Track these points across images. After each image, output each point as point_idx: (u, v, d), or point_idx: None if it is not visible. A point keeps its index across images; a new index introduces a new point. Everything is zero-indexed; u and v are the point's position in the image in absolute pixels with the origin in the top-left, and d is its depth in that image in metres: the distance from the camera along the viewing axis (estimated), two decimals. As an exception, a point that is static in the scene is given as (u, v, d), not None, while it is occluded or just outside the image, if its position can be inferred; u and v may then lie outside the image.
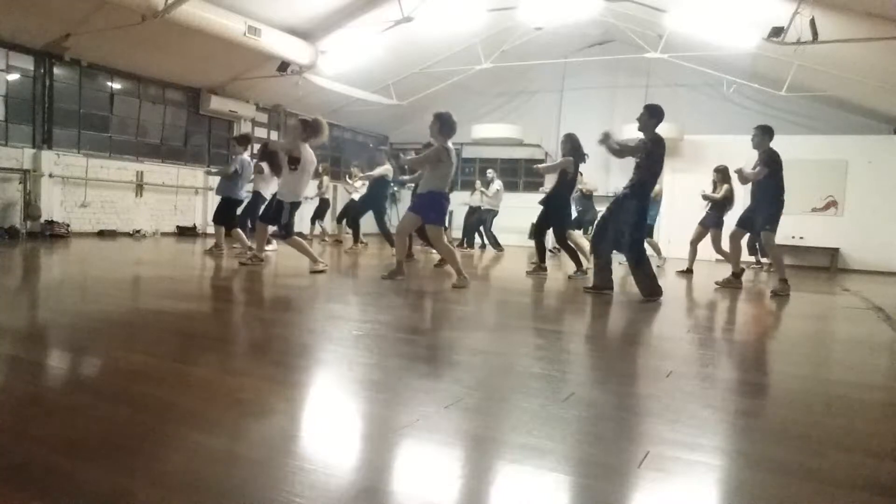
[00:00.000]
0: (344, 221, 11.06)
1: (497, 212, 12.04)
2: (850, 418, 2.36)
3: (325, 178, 12.10)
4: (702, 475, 1.72)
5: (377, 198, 9.76)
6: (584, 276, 6.84)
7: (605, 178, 13.83)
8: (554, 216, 7.27)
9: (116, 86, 10.89)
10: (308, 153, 6.24)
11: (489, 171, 12.40)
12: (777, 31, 8.12)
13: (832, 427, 2.23)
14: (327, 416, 2.10)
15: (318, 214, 12.28)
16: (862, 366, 3.48)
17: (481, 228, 12.25)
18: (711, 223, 8.32)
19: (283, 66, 10.90)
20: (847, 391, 2.81)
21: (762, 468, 1.76)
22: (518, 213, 11.93)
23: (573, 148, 7.15)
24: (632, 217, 5.40)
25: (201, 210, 12.30)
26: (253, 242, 7.21)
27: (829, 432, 2.16)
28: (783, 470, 1.76)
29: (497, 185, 12.05)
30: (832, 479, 1.71)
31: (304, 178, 6.29)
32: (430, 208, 5.70)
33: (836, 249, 11.88)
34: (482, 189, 12.07)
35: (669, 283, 7.77)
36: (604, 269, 5.61)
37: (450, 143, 5.70)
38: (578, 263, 7.19)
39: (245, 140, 8.57)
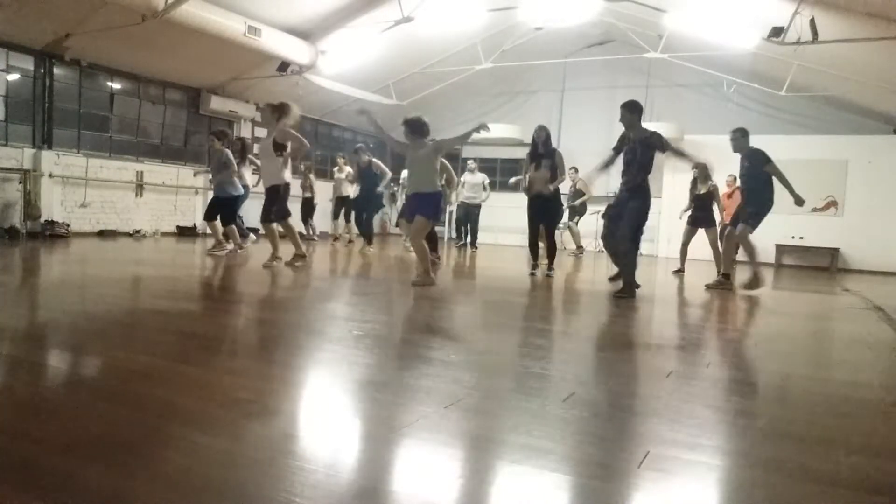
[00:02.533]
0: (350, 221, 11.01)
1: (480, 205, 11.91)
2: (850, 418, 2.36)
3: (312, 177, 12.11)
4: (702, 475, 1.72)
5: (375, 196, 9.72)
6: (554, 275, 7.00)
7: (605, 178, 13.81)
8: (556, 214, 7.30)
9: (116, 86, 10.89)
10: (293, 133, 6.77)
11: (470, 161, 12.31)
12: (777, 31, 8.13)
13: (832, 427, 2.23)
14: (327, 416, 2.10)
15: (307, 213, 12.22)
16: (862, 366, 3.48)
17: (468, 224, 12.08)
18: (707, 223, 8.41)
19: (283, 66, 10.90)
20: (847, 391, 2.81)
21: (762, 468, 1.76)
22: (518, 213, 11.91)
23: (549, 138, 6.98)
24: (639, 215, 5.61)
25: (201, 210, 12.27)
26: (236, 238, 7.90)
27: (829, 432, 2.16)
28: (783, 470, 1.76)
29: (480, 177, 11.87)
30: (832, 479, 1.71)
31: (287, 162, 6.83)
32: (438, 206, 5.87)
33: (836, 249, 11.89)
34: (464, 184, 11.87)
35: (669, 283, 7.78)
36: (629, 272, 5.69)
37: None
38: (552, 262, 7.17)
39: (224, 135, 8.49)
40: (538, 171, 6.82)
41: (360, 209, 10.08)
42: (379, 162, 9.81)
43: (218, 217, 8.05)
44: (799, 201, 6.25)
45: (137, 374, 2.43)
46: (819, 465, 1.82)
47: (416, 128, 5.76)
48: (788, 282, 9.11)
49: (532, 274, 7.01)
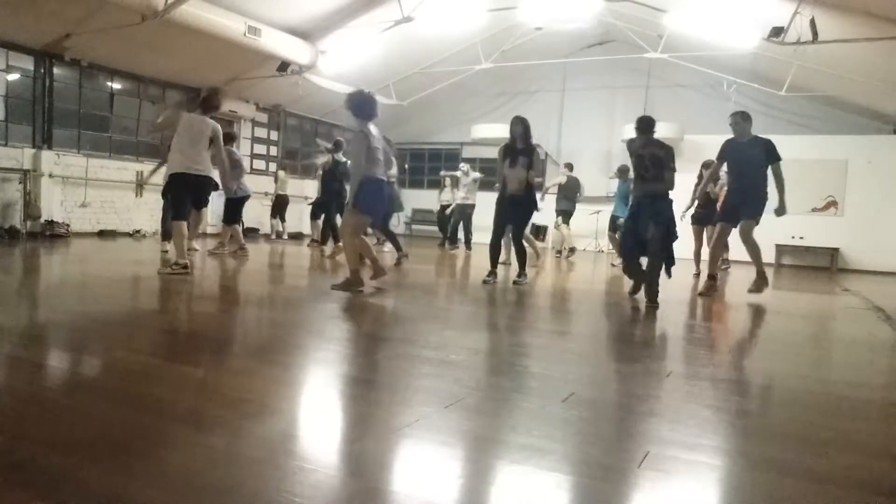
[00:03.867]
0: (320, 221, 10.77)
1: (475, 205, 11.74)
2: (850, 418, 2.36)
3: (281, 173, 12.09)
4: (702, 475, 1.72)
5: (332, 193, 9.45)
6: (526, 282, 6.28)
7: (606, 180, 13.84)
8: (527, 215, 6.51)
9: (116, 86, 10.89)
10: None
11: (462, 164, 12.20)
12: (777, 31, 8.13)
13: (832, 427, 2.23)
14: (327, 416, 2.10)
15: (277, 211, 12.17)
16: (862, 366, 3.48)
17: (460, 225, 11.68)
18: (711, 221, 8.44)
19: (283, 66, 10.90)
20: (847, 391, 2.81)
21: (762, 468, 1.76)
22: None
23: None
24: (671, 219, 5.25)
25: (201, 210, 12.29)
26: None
27: (829, 432, 2.16)
28: (783, 470, 1.76)
29: (474, 175, 11.66)
30: (832, 479, 1.71)
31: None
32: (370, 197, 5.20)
33: (836, 249, 11.88)
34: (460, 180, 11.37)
35: (672, 283, 7.77)
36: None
37: (370, 126, 5.25)
38: (522, 268, 6.38)
39: (232, 138, 8.38)
40: (514, 168, 6.09)
41: (318, 208, 10.00)
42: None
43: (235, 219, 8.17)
44: (782, 210, 5.97)
45: (137, 374, 2.43)
46: (819, 465, 1.82)
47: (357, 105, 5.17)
48: (788, 282, 9.12)
49: (486, 282, 6.00)
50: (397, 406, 2.19)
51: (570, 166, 11.15)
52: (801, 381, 3.01)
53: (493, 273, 6.19)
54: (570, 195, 10.92)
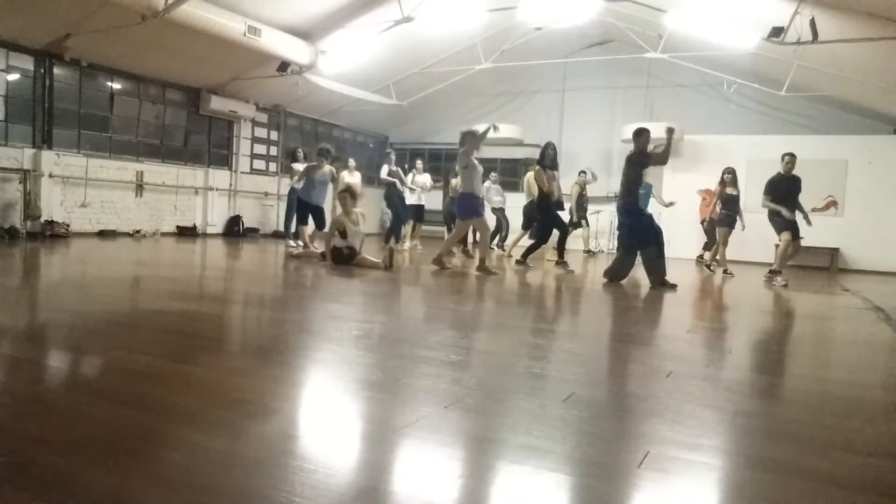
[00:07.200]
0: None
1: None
2: (850, 418, 2.36)
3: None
4: (702, 475, 1.72)
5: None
6: (572, 272, 7.92)
7: (606, 180, 13.84)
8: (555, 218, 8.28)
9: (116, 86, 10.89)
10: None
11: (418, 161, 12.07)
12: (777, 31, 8.12)
13: (832, 427, 2.23)
14: (327, 416, 2.10)
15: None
16: (862, 366, 3.48)
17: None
18: (732, 224, 8.72)
19: (283, 66, 10.90)
20: (847, 391, 2.81)
21: (762, 468, 1.76)
22: (520, 213, 11.94)
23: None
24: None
25: (201, 210, 12.29)
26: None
27: (829, 432, 2.16)
28: (783, 470, 1.76)
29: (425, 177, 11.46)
30: (832, 479, 1.71)
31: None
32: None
33: (836, 249, 11.88)
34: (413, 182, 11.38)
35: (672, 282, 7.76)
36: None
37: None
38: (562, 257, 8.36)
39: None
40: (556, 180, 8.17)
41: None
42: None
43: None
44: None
45: (137, 374, 2.43)
46: (819, 465, 1.82)
47: None
48: (788, 282, 9.10)
49: (526, 266, 8.15)
50: (397, 406, 2.19)
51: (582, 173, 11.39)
52: (800, 380, 3.01)
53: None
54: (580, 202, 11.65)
